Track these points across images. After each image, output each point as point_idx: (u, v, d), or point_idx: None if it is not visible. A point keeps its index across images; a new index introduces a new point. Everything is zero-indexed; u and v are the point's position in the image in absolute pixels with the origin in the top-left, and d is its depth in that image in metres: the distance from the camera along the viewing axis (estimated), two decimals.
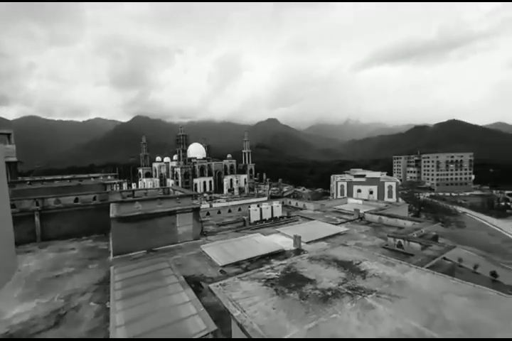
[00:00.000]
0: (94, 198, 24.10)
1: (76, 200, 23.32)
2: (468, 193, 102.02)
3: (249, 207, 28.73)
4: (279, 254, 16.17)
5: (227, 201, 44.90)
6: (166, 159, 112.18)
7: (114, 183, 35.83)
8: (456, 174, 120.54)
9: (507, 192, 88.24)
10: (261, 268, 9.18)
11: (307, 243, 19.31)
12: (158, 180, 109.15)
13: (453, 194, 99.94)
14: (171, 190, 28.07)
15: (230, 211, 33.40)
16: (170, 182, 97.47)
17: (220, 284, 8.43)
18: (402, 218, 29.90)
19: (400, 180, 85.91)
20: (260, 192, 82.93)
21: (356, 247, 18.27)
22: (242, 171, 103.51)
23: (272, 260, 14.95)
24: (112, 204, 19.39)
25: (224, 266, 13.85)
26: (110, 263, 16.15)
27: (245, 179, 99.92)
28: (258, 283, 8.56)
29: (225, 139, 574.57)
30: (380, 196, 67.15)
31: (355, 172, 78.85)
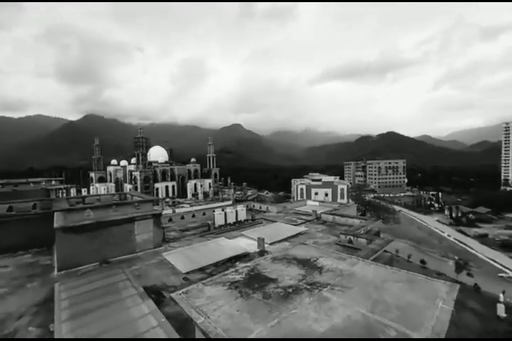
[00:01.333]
0: (34, 206, 20.48)
1: (10, 209, 19.59)
2: (402, 194, 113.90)
3: (214, 211, 28.39)
4: (244, 257, 16.25)
5: (191, 206, 43.58)
6: (123, 162, 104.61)
7: (60, 189, 32.26)
8: (393, 178, 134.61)
9: (431, 192, 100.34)
10: (226, 272, 9.23)
11: (270, 244, 19.74)
12: (113, 185, 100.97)
13: (391, 195, 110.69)
14: (128, 195, 26.23)
15: (194, 216, 32.54)
16: (127, 187, 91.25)
17: (183, 292, 8.26)
18: (352, 217, 32.27)
19: (350, 183, 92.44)
20: (225, 196, 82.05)
21: (314, 245, 19.27)
22: (207, 175, 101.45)
23: (237, 263, 14.97)
24: (56, 213, 16.82)
25: (187, 273, 13.36)
26: (54, 280, 14.04)
27: (210, 183, 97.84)
28: (222, 287, 8.60)
29: (189, 143, 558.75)
30: (334, 198, 71.47)
31: (312, 177, 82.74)
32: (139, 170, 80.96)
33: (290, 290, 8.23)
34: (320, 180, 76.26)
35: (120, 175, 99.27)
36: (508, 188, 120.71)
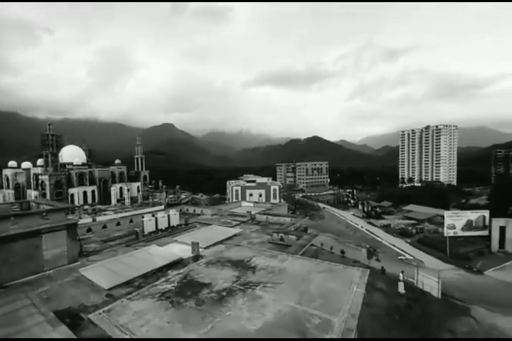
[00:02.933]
0: None
1: None
2: (325, 192, 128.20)
3: (143, 217, 26.13)
4: (177, 264, 15.43)
5: (115, 213, 39.00)
6: (26, 164, 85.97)
7: None
8: (318, 178, 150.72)
9: (347, 190, 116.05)
10: (156, 283, 8.65)
11: (205, 248, 19.32)
12: (12, 192, 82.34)
13: (316, 193, 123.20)
14: (32, 204, 21.77)
15: (119, 224, 29.24)
16: (32, 194, 75.56)
17: (105, 311, 7.36)
18: (283, 216, 34.47)
19: (282, 184, 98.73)
20: (156, 200, 76.35)
21: (248, 246, 19.80)
22: (135, 178, 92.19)
23: (170, 271, 14.06)
24: None
25: (111, 289, 11.75)
26: None
27: (138, 187, 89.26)
28: (152, 299, 8.03)
29: (113, 142, 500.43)
30: (268, 198, 75.11)
31: (247, 178, 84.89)
32: (48, 173, 67.82)
33: (224, 293, 8.27)
34: (254, 182, 78.95)
35: (22, 179, 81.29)
36: (404, 185, 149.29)
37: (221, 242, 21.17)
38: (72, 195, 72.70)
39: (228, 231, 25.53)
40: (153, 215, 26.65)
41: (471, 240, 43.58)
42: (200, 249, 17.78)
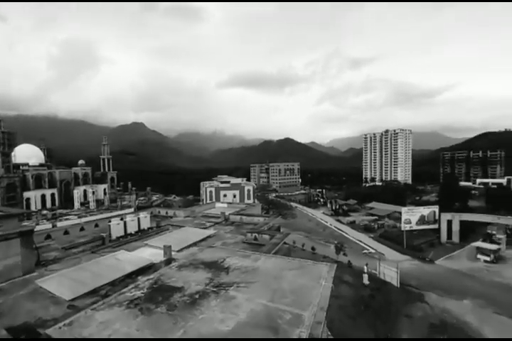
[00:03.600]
0: None
1: None
2: (297, 192, 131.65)
3: (110, 221, 24.59)
4: (148, 269, 14.68)
5: (79, 217, 36.11)
6: None
7: None
8: (291, 178, 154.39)
9: (317, 190, 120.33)
10: (124, 290, 8.16)
11: (178, 251, 18.68)
12: None
13: (289, 193, 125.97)
14: None
15: (83, 229, 27.17)
16: None
17: (65, 324, 6.74)
18: (257, 216, 34.65)
19: (256, 184, 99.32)
20: (125, 203, 72.17)
21: (221, 247, 19.56)
22: (101, 180, 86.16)
23: (140, 277, 13.29)
24: None
25: (74, 300, 10.76)
26: None
27: (105, 189, 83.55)
28: (119, 307, 7.52)
29: (76, 142, 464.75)
30: (242, 199, 75.01)
31: (221, 179, 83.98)
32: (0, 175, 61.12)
33: (197, 296, 8.06)
34: (228, 182, 78.43)
35: None
36: (367, 184, 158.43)
37: (195, 244, 20.66)
38: (28, 199, 66.13)
39: (202, 232, 25.02)
40: (121, 219, 25.22)
41: (424, 233, 47.54)
42: (173, 252, 17.18)
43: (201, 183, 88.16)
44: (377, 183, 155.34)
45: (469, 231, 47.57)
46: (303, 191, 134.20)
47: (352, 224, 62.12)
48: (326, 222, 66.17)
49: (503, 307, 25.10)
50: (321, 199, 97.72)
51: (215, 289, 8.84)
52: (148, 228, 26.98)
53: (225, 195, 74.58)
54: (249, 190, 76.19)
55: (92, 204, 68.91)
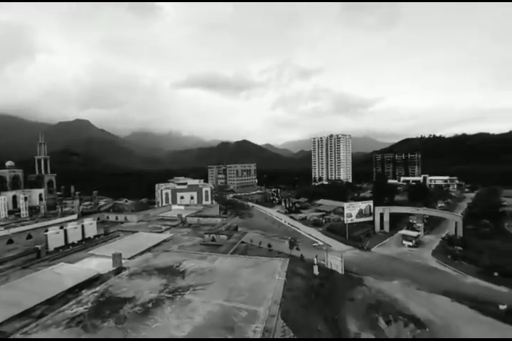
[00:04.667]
0: None
1: None
2: (254, 192, 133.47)
3: (47, 230, 21.34)
4: (94, 281, 13.01)
5: (5, 228, 30.42)
6: None
7: None
8: (248, 179, 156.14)
9: (273, 189, 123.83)
10: (63, 308, 7.09)
11: (130, 258, 17.08)
12: None
13: (246, 193, 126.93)
14: None
15: (11, 241, 23.01)
16: None
17: None
18: (215, 216, 34.01)
19: (213, 185, 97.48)
20: (67, 209, 63.36)
21: (178, 250, 18.63)
22: (36, 184, 73.71)
23: (84, 291, 11.68)
24: None
25: (1, 325, 8.85)
26: None
27: (41, 194, 71.57)
28: (57, 328, 6.45)
29: (4, 141, 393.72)
30: (200, 200, 72.69)
31: (178, 181, 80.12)
32: None
33: (150, 304, 7.47)
34: (185, 184, 75.36)
35: None
36: (316, 183, 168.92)
37: (148, 250, 19.23)
38: None
39: (157, 237, 23.51)
40: (61, 227, 22.19)
41: (362, 225, 52.54)
42: (124, 260, 15.68)
43: (156, 185, 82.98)
44: (324, 182, 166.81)
45: (396, 222, 54.24)
46: (259, 191, 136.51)
47: (303, 220, 65.33)
48: (281, 220, 68.38)
49: (423, 283, 29.18)
50: (276, 198, 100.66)
51: (170, 295, 8.33)
52: (95, 236, 24.28)
53: (182, 197, 71.49)
54: (207, 191, 74.41)
55: (24, 213, 58.70)
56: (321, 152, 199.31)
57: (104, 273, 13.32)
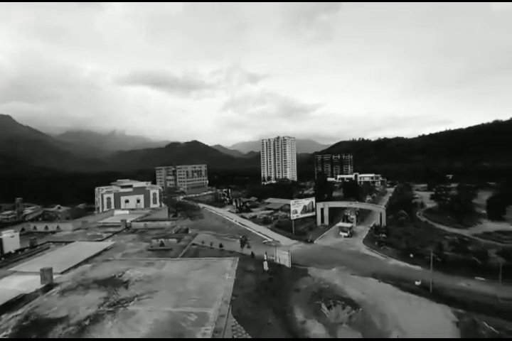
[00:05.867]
0: None
1: None
2: (205, 193, 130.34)
3: None
4: (17, 302, 10.84)
5: None
6: None
7: None
8: (199, 180, 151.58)
9: (224, 190, 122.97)
10: None
11: (63, 272, 14.76)
12: None
13: (197, 195, 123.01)
14: None
15: None
16: None
17: None
18: (163, 220, 31.97)
19: (162, 187, 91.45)
20: None
21: (121, 259, 16.98)
22: None
23: (3, 315, 9.63)
24: None
25: None
26: None
27: None
28: None
29: None
30: (147, 203, 67.37)
31: (122, 183, 72.74)
32: None
33: (87, 322, 6.67)
34: (131, 187, 69.02)
35: None
36: (265, 183, 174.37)
37: (86, 261, 17.04)
38: None
39: (96, 246, 20.98)
40: None
41: (306, 220, 56.59)
42: (56, 276, 13.55)
43: (96, 189, 73.91)
44: (272, 181, 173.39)
45: (334, 215, 60.01)
46: (210, 191, 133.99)
47: (253, 219, 66.70)
48: (232, 219, 68.44)
49: (356, 269, 32.92)
50: (227, 199, 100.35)
51: (111, 309, 7.60)
52: (18, 250, 20.40)
53: (126, 201, 65.31)
54: (155, 194, 69.55)
55: None
56: (269, 153, 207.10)
57: (29, 293, 11.28)
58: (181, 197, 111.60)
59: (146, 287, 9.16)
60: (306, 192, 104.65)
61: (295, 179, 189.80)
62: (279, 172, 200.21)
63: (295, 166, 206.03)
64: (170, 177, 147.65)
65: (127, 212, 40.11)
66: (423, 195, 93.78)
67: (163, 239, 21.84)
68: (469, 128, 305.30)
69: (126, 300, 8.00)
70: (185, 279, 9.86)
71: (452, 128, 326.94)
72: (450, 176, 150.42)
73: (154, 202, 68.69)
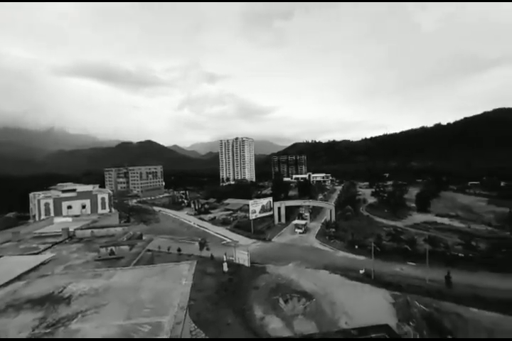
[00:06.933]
0: None
1: None
2: (161, 195, 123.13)
3: None
4: None
5: None
6: None
7: None
8: (154, 182, 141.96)
9: (181, 192, 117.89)
10: None
11: None
12: None
13: (152, 197, 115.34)
14: None
15: None
16: None
17: None
18: (114, 226, 29.17)
19: (112, 191, 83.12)
20: None
21: (62, 272, 15.02)
22: None
23: None
24: None
25: None
26: None
27: None
28: None
29: None
30: (94, 209, 60.44)
31: (63, 188, 63.73)
32: None
33: None
34: (74, 191, 61.09)
35: None
36: (224, 184, 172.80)
37: (19, 278, 14.60)
38: None
39: (31, 260, 18.14)
40: None
41: (264, 219, 58.01)
42: None
43: (31, 194, 63.76)
44: (231, 182, 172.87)
45: (290, 213, 62.82)
46: (167, 194, 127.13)
47: (213, 220, 65.56)
48: (190, 222, 66.14)
49: (310, 262, 34.95)
50: (185, 201, 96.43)
51: (48, 330, 6.76)
52: None
53: (69, 207, 57.80)
54: (103, 198, 62.97)
55: None
56: (228, 154, 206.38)
57: None
58: (135, 200, 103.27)
59: (92, 301, 8.35)
60: (264, 192, 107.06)
61: (254, 179, 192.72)
62: (237, 173, 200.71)
63: (253, 167, 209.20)
64: (121, 180, 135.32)
65: (70, 219, 35.56)
66: (365, 192, 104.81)
67: (113, 247, 20.04)
68: (401, 133, 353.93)
69: (67, 319, 7.18)
70: (138, 288, 9.27)
71: (388, 133, 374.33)
72: (387, 175, 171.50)
73: (103, 208, 62.19)
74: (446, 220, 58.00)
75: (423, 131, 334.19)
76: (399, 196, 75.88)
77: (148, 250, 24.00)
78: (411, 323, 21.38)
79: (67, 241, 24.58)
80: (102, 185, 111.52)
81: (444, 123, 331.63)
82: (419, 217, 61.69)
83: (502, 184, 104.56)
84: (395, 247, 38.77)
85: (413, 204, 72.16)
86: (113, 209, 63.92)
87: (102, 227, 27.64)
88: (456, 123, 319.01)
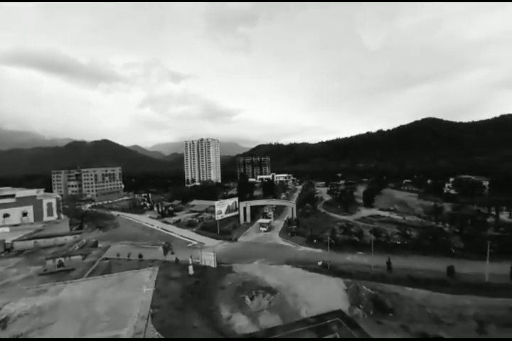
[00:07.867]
0: None
1: None
2: (120, 199, 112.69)
3: None
4: None
5: None
6: None
7: None
8: (111, 185, 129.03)
9: (143, 194, 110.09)
10: None
11: None
12: None
13: (109, 201, 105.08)
14: None
15: None
16: None
17: None
18: (63, 235, 25.79)
19: (62, 196, 73.35)
20: None
21: None
22: None
23: None
24: None
25: None
26: None
27: None
28: None
29: None
30: (39, 216, 52.33)
31: None
32: None
33: None
34: (13, 196, 52.22)
35: None
36: (189, 185, 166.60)
37: None
38: None
39: None
40: None
41: (230, 219, 57.58)
42: None
43: None
44: (197, 183, 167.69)
45: (255, 213, 63.51)
46: (126, 197, 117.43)
47: (178, 223, 62.65)
48: (153, 225, 62.14)
49: (274, 259, 35.71)
50: (148, 204, 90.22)
51: None
52: None
53: (6, 215, 49.26)
54: (50, 204, 55.15)
55: None
56: (193, 154, 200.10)
57: None
58: (89, 205, 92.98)
59: (36, 321, 7.26)
60: (230, 192, 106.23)
61: (219, 180, 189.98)
62: (203, 174, 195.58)
63: (219, 168, 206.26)
64: (73, 183, 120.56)
65: (7, 229, 30.44)
66: (322, 191, 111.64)
67: (62, 258, 17.73)
68: (351, 137, 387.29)
69: None
70: (92, 301, 8.34)
71: (340, 137, 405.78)
72: (340, 175, 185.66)
73: (50, 214, 54.50)
74: (386, 213, 65.60)
75: (368, 136, 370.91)
76: (349, 193, 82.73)
77: (106, 258, 21.79)
78: (360, 306, 23.40)
79: (2, 255, 20.98)
80: (49, 190, 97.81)
81: (385, 129, 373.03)
82: (365, 212, 68.21)
83: (429, 181, 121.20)
84: (346, 239, 42.05)
85: (361, 201, 79.43)
86: (62, 216, 56.46)
87: (49, 237, 24.31)
88: (393, 129, 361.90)
